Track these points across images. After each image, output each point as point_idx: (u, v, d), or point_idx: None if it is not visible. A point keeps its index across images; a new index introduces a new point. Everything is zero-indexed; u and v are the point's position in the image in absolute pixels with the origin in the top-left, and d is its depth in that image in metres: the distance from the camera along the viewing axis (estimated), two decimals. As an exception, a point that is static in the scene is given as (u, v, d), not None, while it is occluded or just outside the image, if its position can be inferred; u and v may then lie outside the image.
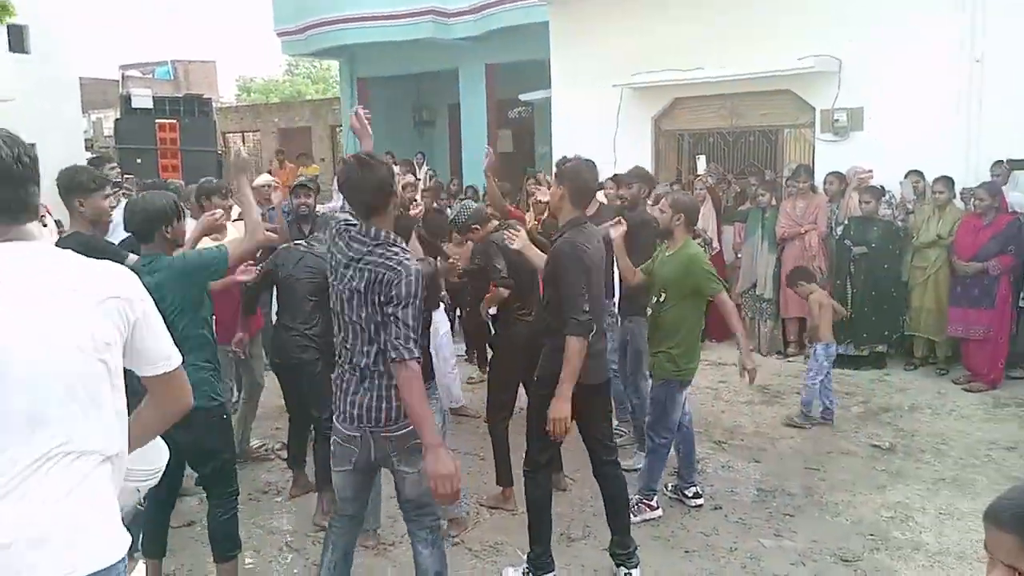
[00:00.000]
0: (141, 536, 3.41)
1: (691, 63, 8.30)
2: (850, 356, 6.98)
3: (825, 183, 7.39)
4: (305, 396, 4.33)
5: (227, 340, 4.74)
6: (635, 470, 4.51)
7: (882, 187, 7.06)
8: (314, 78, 36.86)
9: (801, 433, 5.49)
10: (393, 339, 2.62)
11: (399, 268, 2.65)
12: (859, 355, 6.96)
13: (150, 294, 1.80)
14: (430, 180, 11.70)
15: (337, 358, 2.91)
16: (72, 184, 3.64)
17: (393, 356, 2.62)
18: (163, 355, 1.82)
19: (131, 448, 1.80)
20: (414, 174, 12.12)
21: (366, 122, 3.15)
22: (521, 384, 4.40)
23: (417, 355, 2.64)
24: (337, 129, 19.54)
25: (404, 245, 2.78)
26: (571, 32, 9.51)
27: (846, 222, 7.08)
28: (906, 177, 7.05)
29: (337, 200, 4.23)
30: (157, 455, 2.61)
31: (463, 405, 6.00)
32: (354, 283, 2.72)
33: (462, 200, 4.76)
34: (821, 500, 4.47)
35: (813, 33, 7.69)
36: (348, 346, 2.81)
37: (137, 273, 1.89)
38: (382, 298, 2.65)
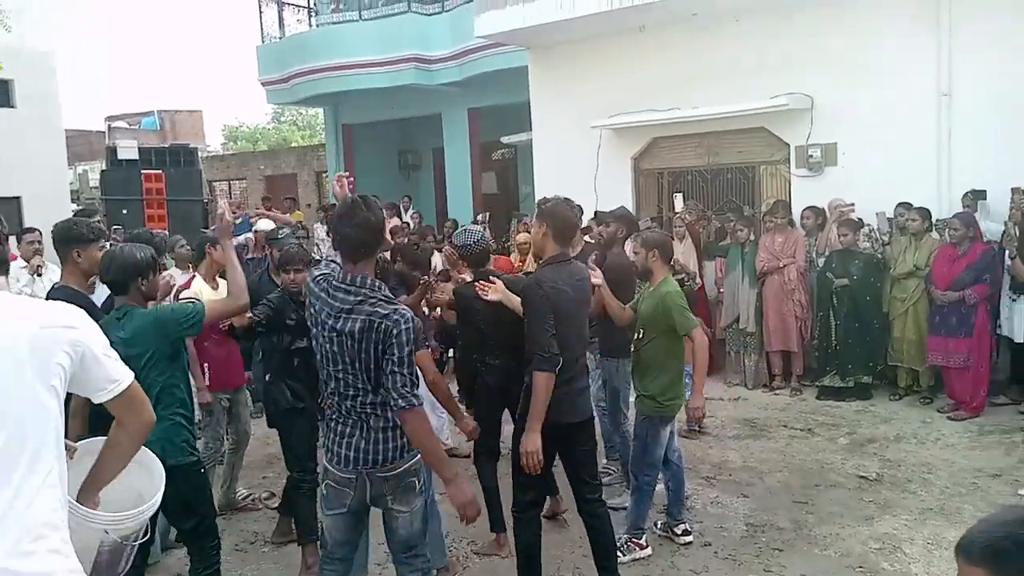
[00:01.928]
0: None
1: (668, 103, 8.49)
2: (835, 388, 7.03)
3: (802, 218, 7.52)
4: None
5: (219, 387, 4.76)
6: (623, 508, 4.51)
7: (860, 219, 7.19)
8: (300, 124, 37.21)
9: (789, 466, 5.51)
10: (396, 387, 2.67)
11: (395, 317, 2.69)
12: (844, 386, 7.01)
13: (121, 346, 1.84)
14: (418, 223, 11.92)
15: (327, 404, 2.93)
16: (70, 236, 3.67)
17: (400, 405, 2.68)
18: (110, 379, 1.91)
19: (108, 474, 1.91)
20: (400, 217, 12.27)
21: (348, 189, 3.12)
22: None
23: (419, 402, 2.71)
24: (323, 175, 19.69)
25: (388, 292, 2.82)
26: (550, 76, 9.72)
27: (827, 255, 7.19)
28: (895, 209, 7.15)
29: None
30: (127, 499, 2.38)
31: (453, 447, 5.96)
32: (344, 331, 2.72)
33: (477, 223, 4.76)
34: (810, 534, 4.47)
35: (785, 72, 7.87)
36: (340, 392, 2.83)
37: (108, 326, 1.92)
38: (380, 347, 2.69)
